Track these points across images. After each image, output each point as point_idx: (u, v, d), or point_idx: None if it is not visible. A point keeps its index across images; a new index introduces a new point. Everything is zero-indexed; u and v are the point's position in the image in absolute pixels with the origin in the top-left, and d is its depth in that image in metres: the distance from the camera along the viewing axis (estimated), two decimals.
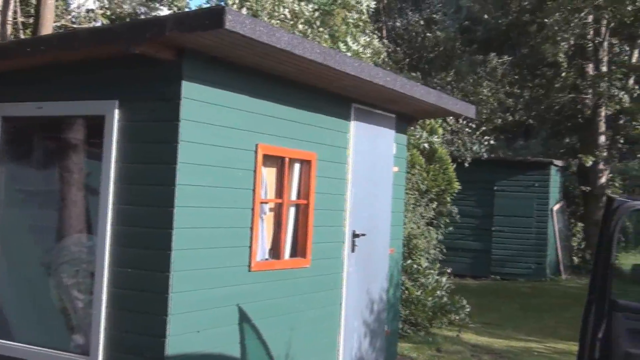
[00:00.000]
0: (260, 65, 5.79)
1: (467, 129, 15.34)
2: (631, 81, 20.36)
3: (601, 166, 20.33)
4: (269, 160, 6.20)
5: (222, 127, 5.57)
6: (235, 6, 9.87)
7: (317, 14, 10.41)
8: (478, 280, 17.53)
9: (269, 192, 6.33)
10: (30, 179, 6.31)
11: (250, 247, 5.88)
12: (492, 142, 15.82)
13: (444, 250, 12.71)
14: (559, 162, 19.14)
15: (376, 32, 11.95)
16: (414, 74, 14.44)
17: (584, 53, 20.75)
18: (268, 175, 6.29)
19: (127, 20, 14.16)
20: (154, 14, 15.02)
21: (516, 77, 21.66)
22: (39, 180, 6.33)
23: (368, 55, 10.75)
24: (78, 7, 14.45)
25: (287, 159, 6.40)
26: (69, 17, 14.39)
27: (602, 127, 20.66)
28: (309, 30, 9.91)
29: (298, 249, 6.64)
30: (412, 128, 10.61)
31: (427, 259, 11.33)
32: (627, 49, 21.76)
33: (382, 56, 12.31)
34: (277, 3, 9.78)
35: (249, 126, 5.85)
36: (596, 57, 20.54)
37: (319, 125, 6.78)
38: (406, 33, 22.80)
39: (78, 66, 5.63)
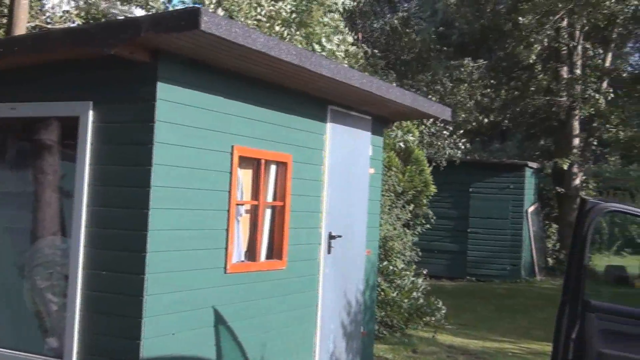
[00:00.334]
0: (237, 66, 5.78)
1: (444, 132, 15.39)
2: (604, 84, 20.59)
3: (575, 168, 20.53)
4: (244, 162, 6.19)
5: (197, 128, 5.55)
6: (212, 6, 9.84)
7: (294, 15, 10.40)
8: (454, 281, 17.62)
9: (245, 193, 6.32)
10: (3, 181, 6.24)
11: (226, 249, 5.87)
12: (468, 145, 15.89)
13: (420, 251, 12.74)
14: (533, 164, 19.29)
15: (351, 33, 11.92)
16: (390, 77, 14.44)
17: (558, 56, 20.95)
18: (244, 177, 6.28)
19: (103, 21, 14.06)
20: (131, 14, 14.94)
21: (492, 81, 21.80)
22: (13, 181, 6.26)
23: (342, 53, 10.74)
24: (53, 8, 14.33)
25: (263, 161, 6.40)
26: (44, 17, 14.27)
27: (576, 129, 20.86)
28: (286, 32, 9.89)
29: (274, 251, 6.63)
30: (388, 130, 10.65)
31: (403, 260, 11.36)
32: (601, 52, 21.99)
33: (358, 57, 12.32)
34: (254, 5, 9.76)
35: (224, 128, 5.84)
36: (570, 60, 20.74)
37: (295, 127, 6.78)
38: (382, 35, 22.85)
39: (52, 67, 5.59)
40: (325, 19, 10.64)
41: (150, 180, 5.11)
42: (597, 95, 19.42)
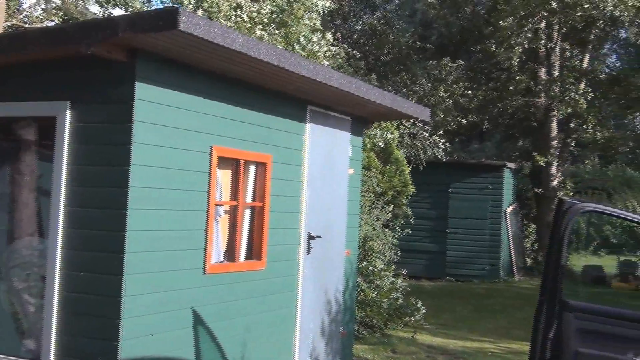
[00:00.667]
0: (216, 67, 5.77)
1: (424, 132, 15.43)
2: (582, 85, 20.76)
3: (553, 169, 20.68)
4: (223, 162, 6.17)
5: (176, 129, 5.53)
6: (190, 7, 9.79)
7: (274, 15, 10.38)
8: (433, 281, 17.69)
9: (224, 194, 6.31)
10: None
11: (205, 249, 5.85)
12: (447, 144, 15.94)
13: (400, 252, 12.79)
14: (512, 165, 19.41)
15: (332, 32, 11.90)
16: (370, 79, 14.44)
17: (536, 57, 21.08)
18: (223, 177, 6.26)
19: (80, 20, 13.97)
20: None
21: (471, 83, 21.90)
22: None
23: (322, 54, 10.73)
24: (30, 7, 14.21)
25: (242, 161, 6.38)
26: (21, 16, 14.14)
27: (554, 130, 21.02)
28: (265, 35, 9.87)
29: (253, 252, 6.62)
30: (367, 130, 10.67)
31: (383, 260, 11.38)
32: (578, 53, 22.16)
33: (338, 57, 12.32)
34: (233, 5, 9.72)
35: (203, 128, 5.82)
36: (548, 61, 20.89)
37: (275, 127, 6.77)
38: (362, 36, 22.87)
39: (29, 66, 5.54)
40: (306, 20, 10.63)
41: (128, 181, 5.08)
42: (577, 97, 19.56)
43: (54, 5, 14.21)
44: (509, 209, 18.70)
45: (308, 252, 7.27)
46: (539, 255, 19.90)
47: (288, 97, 6.90)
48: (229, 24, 9.55)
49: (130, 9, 14.53)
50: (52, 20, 13.93)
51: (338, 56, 12.73)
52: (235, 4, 9.86)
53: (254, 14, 9.92)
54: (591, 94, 20.04)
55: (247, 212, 6.61)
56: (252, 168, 6.60)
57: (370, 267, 10.71)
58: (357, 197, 8.48)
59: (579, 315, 4.59)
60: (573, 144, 21.87)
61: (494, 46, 19.74)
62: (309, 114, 7.27)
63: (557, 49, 20.81)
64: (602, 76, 23.24)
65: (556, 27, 20.19)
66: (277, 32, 10.23)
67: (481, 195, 18.09)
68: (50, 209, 5.34)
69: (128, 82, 5.12)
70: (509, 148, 25.66)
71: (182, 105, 5.58)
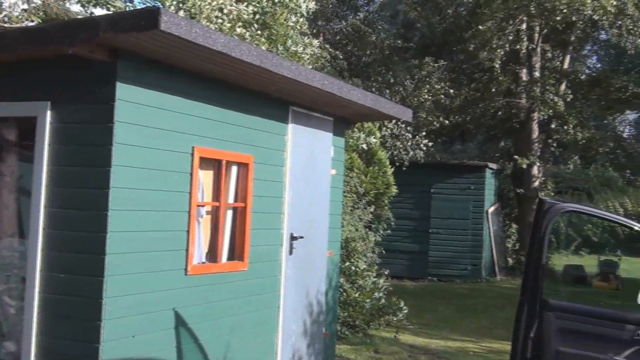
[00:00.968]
0: (198, 67, 5.75)
1: (406, 133, 15.45)
2: (563, 86, 20.88)
3: (535, 169, 20.79)
4: (205, 162, 6.16)
5: (158, 129, 5.51)
6: (172, 8, 9.75)
7: (257, 16, 10.36)
8: (415, 281, 17.72)
9: (206, 194, 6.29)
10: None
11: (187, 250, 5.83)
12: (430, 145, 15.97)
13: (382, 252, 12.81)
14: (494, 165, 19.50)
15: (315, 36, 11.91)
16: (354, 79, 14.45)
17: (518, 59, 21.19)
18: (205, 178, 6.25)
19: (61, 20, 13.86)
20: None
21: (453, 83, 21.98)
22: None
23: (308, 57, 10.74)
24: (10, 7, 14.10)
25: (224, 162, 6.37)
26: (1, 16, 14.03)
27: (536, 131, 21.13)
28: (247, 33, 9.84)
29: (235, 252, 6.61)
30: (349, 131, 10.67)
31: (365, 261, 11.39)
32: (559, 55, 22.30)
33: (321, 61, 12.32)
34: (214, 8, 9.69)
35: (185, 129, 5.80)
36: (529, 62, 21.00)
37: (257, 127, 6.76)
38: (345, 38, 22.90)
39: (10, 66, 5.51)
40: (290, 22, 10.62)
41: (109, 182, 5.06)
42: (555, 98, 19.69)
43: (33, 5, 14.11)
44: (491, 209, 18.79)
45: (290, 252, 7.27)
46: (520, 255, 19.99)
47: (270, 97, 6.90)
48: (211, 25, 9.52)
49: (111, 9, 14.44)
50: (32, 21, 13.83)
51: (323, 58, 12.72)
52: (217, 6, 9.83)
53: (236, 14, 9.90)
54: (570, 96, 20.15)
55: (229, 213, 6.59)
56: (234, 169, 6.59)
57: (353, 268, 10.72)
58: (339, 198, 8.48)
59: (560, 314, 4.63)
60: (554, 145, 21.98)
61: (473, 47, 19.81)
62: (291, 115, 7.27)
63: (539, 50, 20.92)
64: (582, 77, 23.39)
65: (537, 28, 20.29)
66: (259, 32, 10.21)
67: (463, 196, 18.16)
68: (30, 210, 5.30)
69: (109, 83, 5.10)
70: (490, 149, 25.78)
71: (164, 105, 5.56)
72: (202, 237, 6.24)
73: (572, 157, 22.98)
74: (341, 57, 20.15)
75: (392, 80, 20.81)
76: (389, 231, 13.77)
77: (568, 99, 20.00)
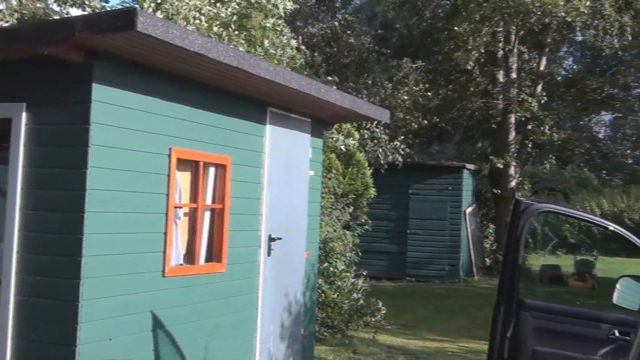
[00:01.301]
0: (175, 68, 5.73)
1: (384, 136, 15.47)
2: (539, 88, 21.04)
3: (512, 170, 20.93)
4: (183, 164, 6.13)
5: (134, 130, 5.48)
6: (150, 9, 9.71)
7: (234, 17, 10.34)
8: (394, 282, 17.77)
9: (183, 196, 6.26)
10: None
11: (164, 252, 5.80)
12: (407, 150, 16.03)
13: (360, 253, 12.83)
14: (471, 166, 19.61)
15: (293, 37, 11.88)
16: (330, 78, 14.44)
17: (495, 60, 21.32)
18: (182, 179, 6.22)
19: (37, 20, 13.74)
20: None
21: (430, 83, 22.07)
22: None
23: (286, 58, 10.74)
24: None
25: (201, 163, 6.35)
26: None
27: (512, 132, 21.27)
28: (224, 33, 9.82)
29: (213, 254, 6.59)
30: (328, 132, 10.68)
31: (344, 262, 11.41)
32: (536, 56, 22.47)
33: (299, 62, 12.31)
34: (192, 10, 9.66)
35: (162, 130, 5.77)
36: (506, 64, 21.13)
37: (234, 129, 6.75)
38: (322, 40, 22.93)
39: None
40: (268, 24, 10.62)
41: (85, 183, 5.02)
42: (528, 99, 19.83)
43: (9, 5, 13.97)
44: (468, 210, 18.89)
45: (269, 254, 7.26)
46: (498, 255, 20.12)
47: (248, 98, 6.89)
48: (188, 26, 9.49)
49: (88, 9, 14.34)
50: (6, 22, 13.70)
51: (301, 59, 12.70)
52: (194, 7, 9.80)
53: (213, 15, 9.88)
54: (545, 98, 20.30)
55: (207, 214, 6.57)
56: (212, 170, 6.57)
57: (331, 268, 10.73)
58: (317, 199, 8.48)
59: (536, 314, 4.66)
60: (530, 146, 22.15)
61: (448, 49, 19.91)
62: (269, 116, 7.26)
63: (515, 51, 21.07)
64: (559, 78, 23.60)
65: (513, 30, 20.43)
66: (236, 32, 10.19)
67: (441, 196, 18.25)
68: (6, 212, 5.25)
69: (85, 84, 5.06)
70: (468, 150, 25.93)
71: (141, 106, 5.53)
72: (179, 239, 6.21)
73: (548, 158, 23.14)
74: (319, 59, 20.17)
75: (370, 82, 20.86)
76: (368, 228, 13.77)
77: (542, 101, 20.15)
